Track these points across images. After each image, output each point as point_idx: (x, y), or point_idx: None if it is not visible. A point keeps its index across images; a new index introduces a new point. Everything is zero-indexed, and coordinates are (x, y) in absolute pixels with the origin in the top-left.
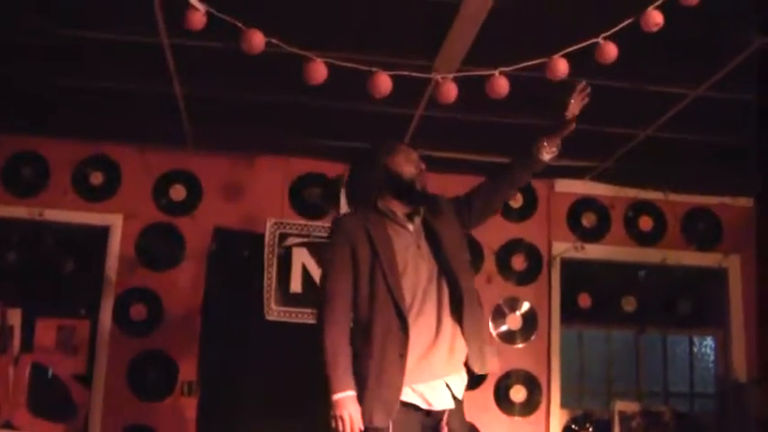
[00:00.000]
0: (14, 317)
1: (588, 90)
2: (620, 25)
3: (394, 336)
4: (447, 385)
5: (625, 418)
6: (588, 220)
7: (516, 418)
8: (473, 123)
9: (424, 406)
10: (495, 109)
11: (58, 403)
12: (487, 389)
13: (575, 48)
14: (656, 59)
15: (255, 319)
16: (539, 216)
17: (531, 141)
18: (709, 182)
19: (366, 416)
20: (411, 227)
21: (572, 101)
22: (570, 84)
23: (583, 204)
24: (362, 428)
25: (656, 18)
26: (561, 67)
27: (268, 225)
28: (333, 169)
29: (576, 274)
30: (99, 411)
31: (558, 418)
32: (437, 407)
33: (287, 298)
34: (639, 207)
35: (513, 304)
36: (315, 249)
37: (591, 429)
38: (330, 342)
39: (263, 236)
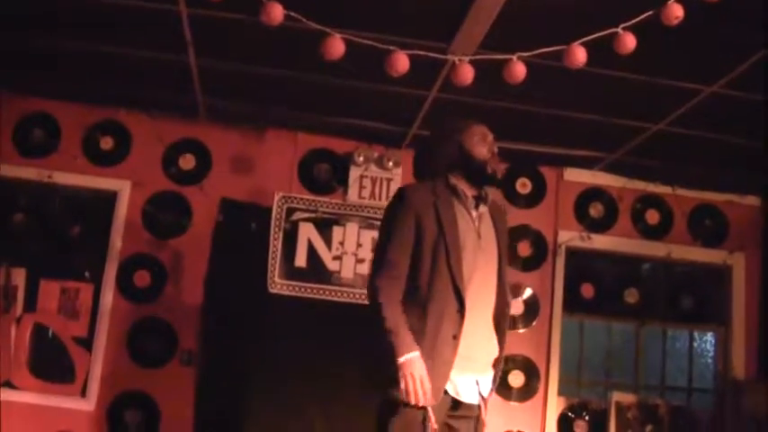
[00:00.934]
0: (19, 277)
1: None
2: (641, 17)
3: (450, 316)
4: (477, 382)
5: (621, 409)
6: (596, 210)
7: (513, 403)
8: (486, 108)
9: (452, 393)
10: (510, 94)
11: (58, 365)
12: None
13: (593, 37)
14: (672, 54)
15: (258, 292)
16: (546, 204)
17: (541, 129)
18: (718, 179)
19: None
20: (475, 213)
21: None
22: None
23: (591, 194)
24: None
25: (676, 11)
26: (579, 55)
27: (276, 199)
28: (343, 146)
29: (580, 263)
30: (98, 375)
31: (555, 405)
32: (465, 399)
33: (291, 272)
34: (647, 200)
35: (517, 290)
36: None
37: (587, 418)
38: (390, 312)
39: (270, 209)
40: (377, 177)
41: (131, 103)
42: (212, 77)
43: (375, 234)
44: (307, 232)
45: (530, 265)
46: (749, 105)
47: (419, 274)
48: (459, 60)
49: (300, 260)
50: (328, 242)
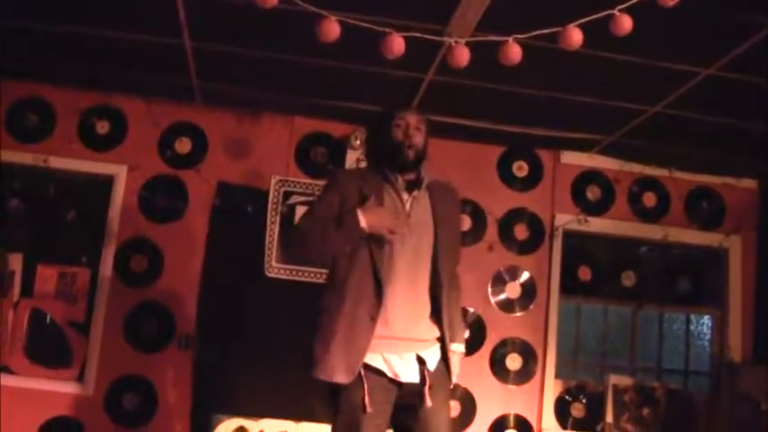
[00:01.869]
0: (16, 262)
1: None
2: None
3: (367, 297)
4: (419, 359)
5: (618, 391)
6: (592, 193)
7: (510, 386)
8: (483, 90)
9: (389, 375)
10: (506, 77)
11: (55, 350)
12: (483, 356)
13: (590, 18)
14: (669, 36)
15: (255, 275)
16: (543, 187)
17: (538, 111)
18: (715, 162)
19: (329, 372)
20: (407, 196)
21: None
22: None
23: (588, 177)
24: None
25: None
26: (575, 36)
27: (272, 182)
28: (339, 129)
29: (577, 246)
30: (95, 360)
31: (552, 388)
32: (404, 379)
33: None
34: (644, 183)
35: (514, 273)
36: None
37: (584, 401)
38: (307, 222)
39: (267, 192)
40: None
41: (126, 86)
42: (208, 61)
43: None
44: None
45: (526, 248)
46: (747, 88)
47: (338, 258)
48: (456, 42)
49: None
50: None
